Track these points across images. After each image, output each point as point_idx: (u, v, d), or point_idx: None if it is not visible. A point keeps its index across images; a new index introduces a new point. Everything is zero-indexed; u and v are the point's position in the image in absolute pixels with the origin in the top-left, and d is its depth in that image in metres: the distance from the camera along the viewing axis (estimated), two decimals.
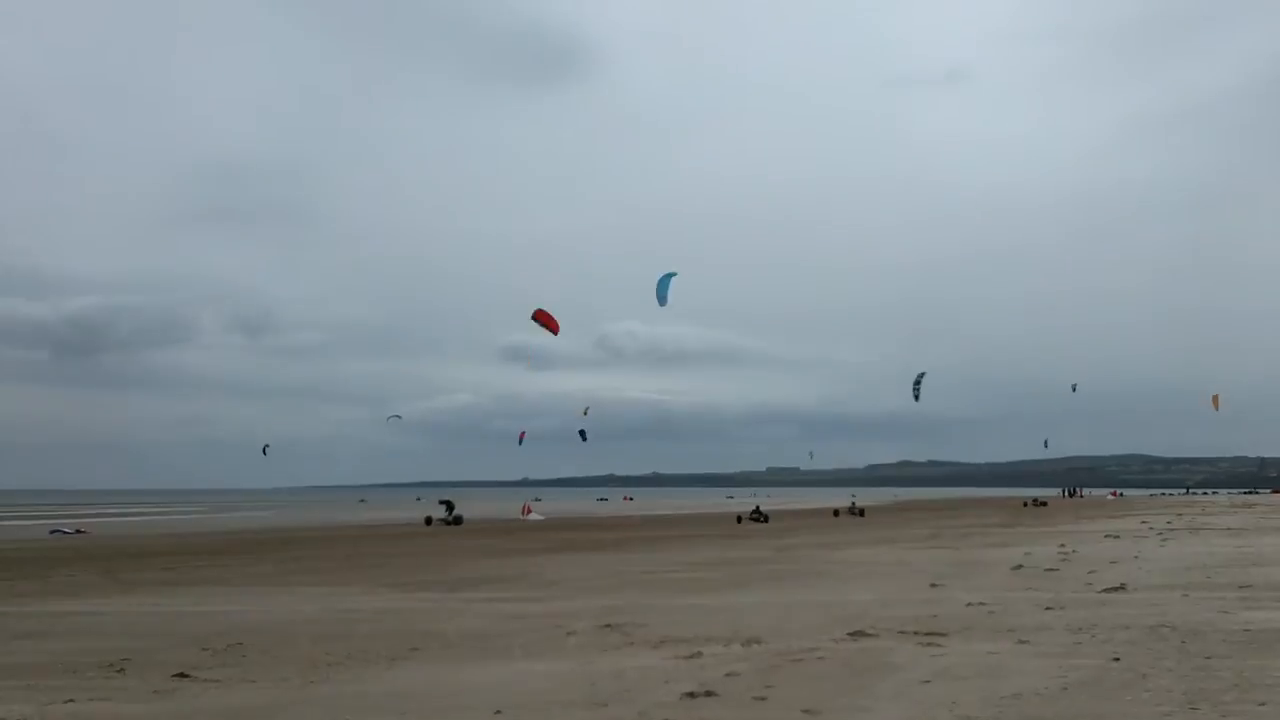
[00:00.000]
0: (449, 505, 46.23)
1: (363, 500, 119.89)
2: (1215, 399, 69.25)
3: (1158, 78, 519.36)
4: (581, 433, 64.06)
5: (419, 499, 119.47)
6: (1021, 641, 8.91)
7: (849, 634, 9.53)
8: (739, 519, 44.22)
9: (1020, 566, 16.79)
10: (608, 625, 10.60)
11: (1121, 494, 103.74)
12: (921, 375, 51.19)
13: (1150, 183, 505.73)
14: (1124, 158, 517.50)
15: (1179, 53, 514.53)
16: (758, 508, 48.13)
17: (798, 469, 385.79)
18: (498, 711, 6.71)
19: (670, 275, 36.81)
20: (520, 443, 68.21)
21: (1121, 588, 12.91)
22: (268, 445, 72.02)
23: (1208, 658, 7.89)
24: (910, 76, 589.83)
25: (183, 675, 8.26)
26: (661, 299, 36.81)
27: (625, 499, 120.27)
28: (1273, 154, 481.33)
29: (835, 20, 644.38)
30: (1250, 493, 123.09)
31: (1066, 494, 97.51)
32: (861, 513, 50.46)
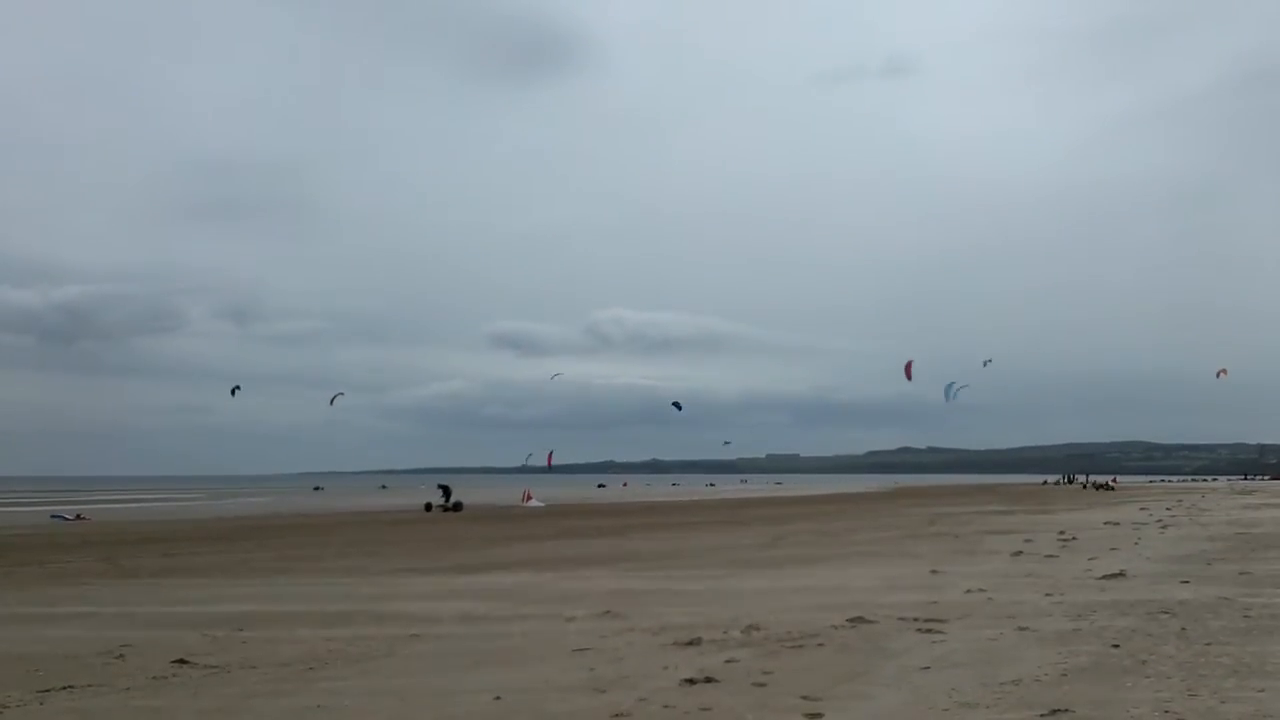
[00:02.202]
0: (445, 491, 46.28)
1: (318, 488, 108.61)
2: (1221, 372, 68.93)
3: (1138, 77, 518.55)
4: (676, 404, 68.90)
5: (384, 487, 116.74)
6: (1021, 628, 8.92)
7: (848, 620, 9.53)
8: (1085, 486, 60.76)
9: (1020, 553, 16.81)
10: (607, 612, 10.61)
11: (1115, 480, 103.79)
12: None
13: (1136, 179, 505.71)
14: (1109, 155, 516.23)
15: (1156, 52, 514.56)
16: (1108, 482, 64.23)
17: (797, 455, 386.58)
18: (497, 697, 6.72)
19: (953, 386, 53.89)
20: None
21: (1121, 574, 12.92)
22: (237, 387, 68.10)
23: (1207, 644, 7.90)
24: (898, 71, 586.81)
25: (183, 661, 8.26)
26: (947, 396, 52.56)
27: (623, 485, 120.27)
28: (1253, 150, 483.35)
29: (828, 15, 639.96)
30: (1250, 478, 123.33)
31: (1066, 480, 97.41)
32: (1109, 487, 60.38)
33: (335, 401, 64.28)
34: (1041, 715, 5.90)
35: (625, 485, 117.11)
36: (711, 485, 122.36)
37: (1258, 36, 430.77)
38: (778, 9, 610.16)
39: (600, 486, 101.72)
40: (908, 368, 53.12)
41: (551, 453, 71.72)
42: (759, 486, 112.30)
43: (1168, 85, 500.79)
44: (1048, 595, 11.11)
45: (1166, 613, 9.56)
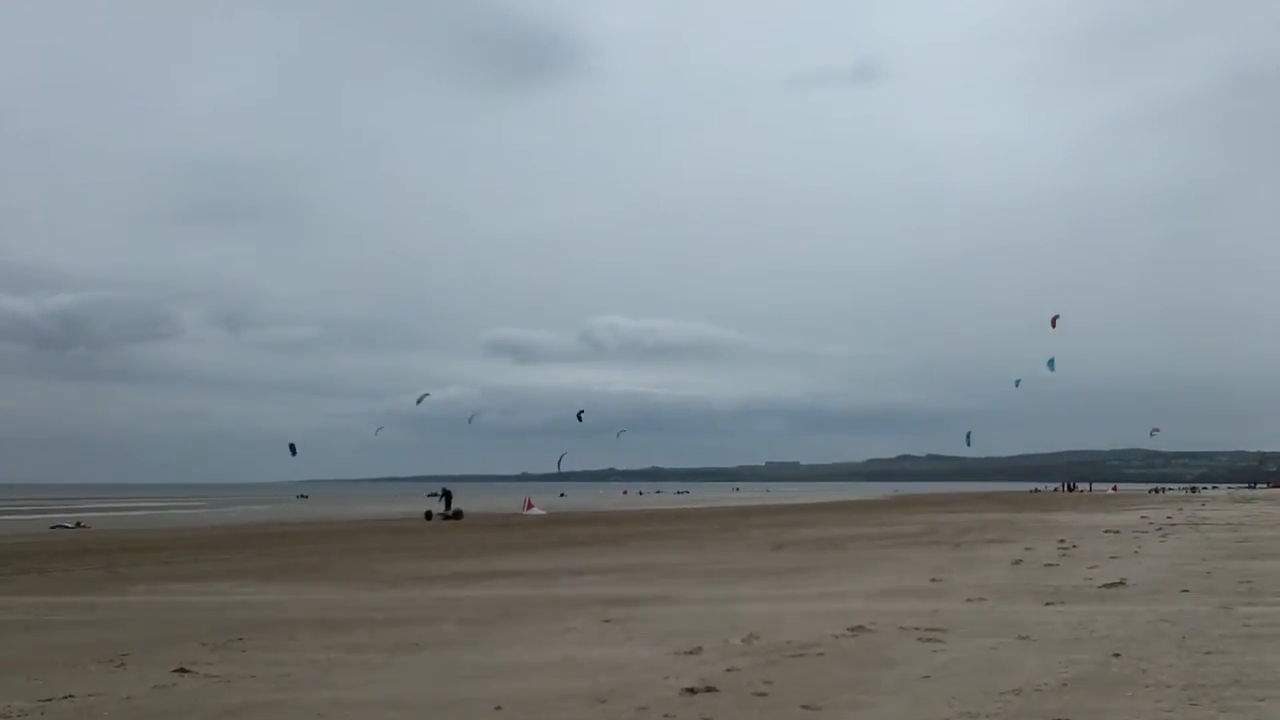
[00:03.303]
0: (447, 497, 46.32)
1: (303, 496, 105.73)
2: (1054, 320, 63.38)
3: (1132, 81, 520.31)
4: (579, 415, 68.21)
5: (428, 494, 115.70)
6: (1021, 637, 8.92)
7: (849, 629, 9.53)
8: (1155, 490, 64.72)
9: (1020, 561, 16.81)
10: (608, 621, 10.61)
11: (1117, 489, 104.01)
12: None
13: (1132, 184, 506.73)
14: (1104, 160, 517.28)
15: (1150, 56, 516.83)
16: (1194, 487, 63.93)
17: (798, 463, 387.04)
18: (498, 707, 6.72)
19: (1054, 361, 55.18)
20: None
21: (1121, 583, 12.92)
22: (293, 446, 65.08)
23: (1207, 653, 7.90)
24: (893, 76, 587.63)
25: (183, 670, 8.26)
26: (1050, 366, 54.31)
27: (623, 493, 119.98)
28: (1248, 153, 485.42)
29: (823, 19, 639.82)
30: (1250, 487, 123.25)
31: (1066, 488, 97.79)
32: (1195, 490, 62.77)
33: (422, 401, 64.80)
34: None
35: (626, 493, 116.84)
36: (682, 492, 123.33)
37: (1251, 40, 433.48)
38: (774, 13, 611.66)
39: (561, 495, 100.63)
40: (1054, 320, 54.01)
41: (562, 456, 72.72)
42: (753, 494, 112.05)
43: (1162, 89, 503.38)
44: (1048, 604, 11.11)
45: (1167, 621, 9.56)
